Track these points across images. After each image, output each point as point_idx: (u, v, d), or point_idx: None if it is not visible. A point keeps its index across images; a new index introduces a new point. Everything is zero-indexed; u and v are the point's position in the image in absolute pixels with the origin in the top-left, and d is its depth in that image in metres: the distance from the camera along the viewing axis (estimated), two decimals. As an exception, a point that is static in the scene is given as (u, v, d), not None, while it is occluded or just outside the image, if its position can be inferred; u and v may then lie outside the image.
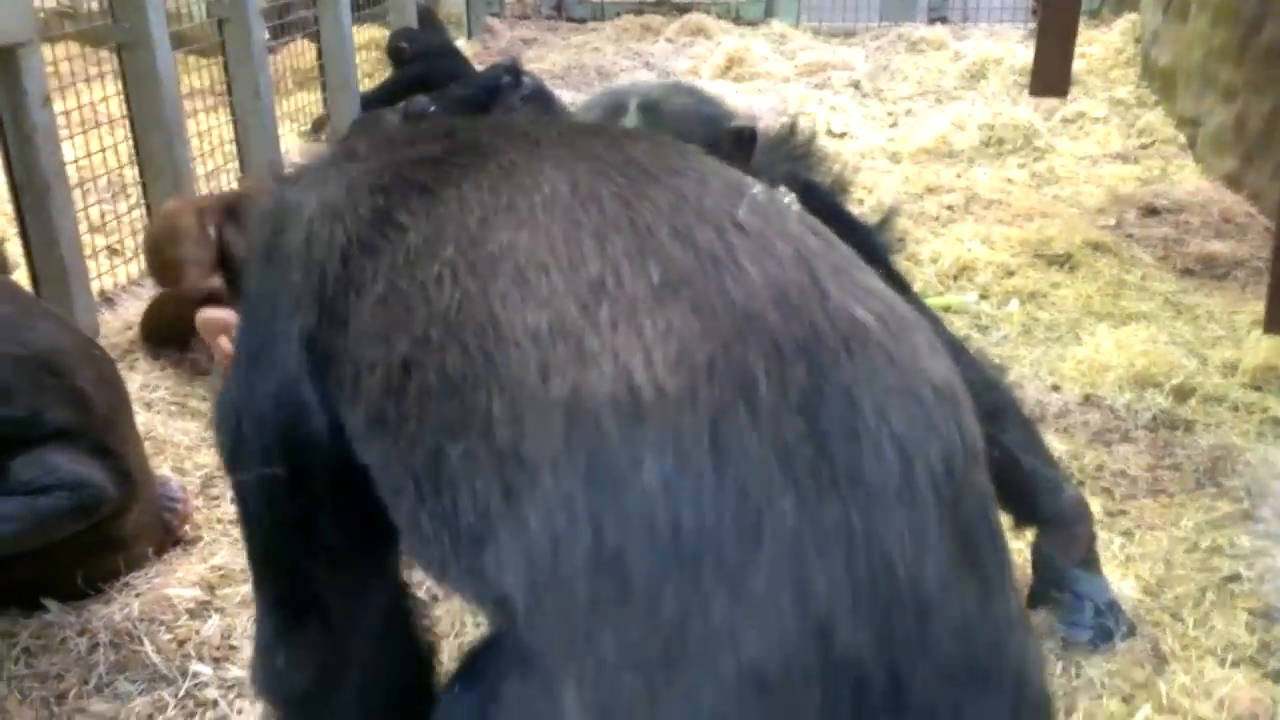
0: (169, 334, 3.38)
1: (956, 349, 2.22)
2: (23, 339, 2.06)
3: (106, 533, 2.24)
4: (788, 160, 2.21)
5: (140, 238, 3.93)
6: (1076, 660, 2.11)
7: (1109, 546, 2.42)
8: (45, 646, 2.18)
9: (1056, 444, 2.80)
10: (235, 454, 1.33)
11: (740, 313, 0.97)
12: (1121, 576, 2.33)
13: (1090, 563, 2.17)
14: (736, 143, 2.01)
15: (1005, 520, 2.28)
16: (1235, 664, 2.09)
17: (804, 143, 2.25)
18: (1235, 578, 2.34)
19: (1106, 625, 2.11)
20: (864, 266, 1.15)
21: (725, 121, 2.02)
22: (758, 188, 1.17)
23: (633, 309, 0.97)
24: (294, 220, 1.27)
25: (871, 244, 2.20)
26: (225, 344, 3.01)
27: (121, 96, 3.97)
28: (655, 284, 0.98)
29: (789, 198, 1.33)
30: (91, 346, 2.35)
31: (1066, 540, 2.15)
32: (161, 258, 3.18)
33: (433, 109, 4.55)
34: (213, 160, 4.56)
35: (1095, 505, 2.58)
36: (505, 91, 4.70)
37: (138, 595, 2.30)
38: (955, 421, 1.02)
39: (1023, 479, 2.15)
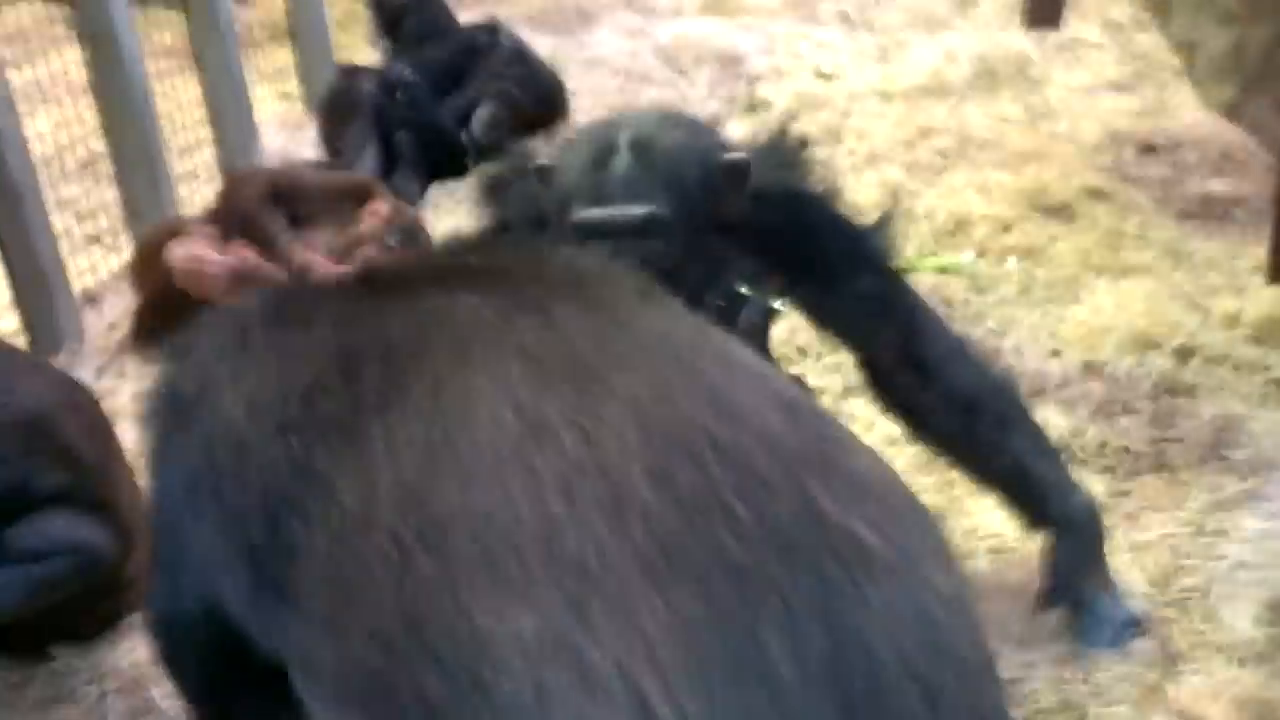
0: (161, 331, 3.32)
1: (961, 352, 2.19)
2: (6, 403, 2.01)
3: (108, 576, 2.22)
4: (779, 169, 2.14)
5: (117, 218, 3.86)
6: (1085, 664, 2.12)
7: (1114, 533, 2.41)
8: (56, 698, 2.18)
9: (1058, 420, 2.78)
10: (171, 663, 1.31)
11: (741, 576, 0.90)
12: (1128, 568, 2.33)
13: (1101, 570, 2.16)
14: (730, 177, 1.94)
15: (1015, 524, 2.31)
16: (1244, 662, 2.10)
17: (794, 150, 2.18)
18: (1243, 564, 2.34)
19: (1126, 643, 2.11)
20: (841, 436, 1.10)
21: (718, 156, 1.94)
22: (714, 349, 1.10)
23: (627, 599, 0.88)
24: (191, 434, 1.15)
25: (868, 252, 2.15)
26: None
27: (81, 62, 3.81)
28: (643, 553, 0.90)
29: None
30: (75, 391, 2.31)
31: (1077, 545, 2.13)
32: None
33: (409, 74, 4.41)
34: (183, 124, 4.43)
35: (1098, 487, 2.57)
36: (484, 53, 4.56)
37: (144, 637, 2.29)
38: (968, 636, 1.01)
39: (1032, 484, 2.14)
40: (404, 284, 1.24)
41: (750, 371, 1.12)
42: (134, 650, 2.25)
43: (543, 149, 2.15)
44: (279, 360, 1.16)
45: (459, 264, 1.28)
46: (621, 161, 1.87)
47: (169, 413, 1.22)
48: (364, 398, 1.07)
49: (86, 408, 2.26)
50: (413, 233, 3.50)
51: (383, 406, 1.05)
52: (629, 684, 0.85)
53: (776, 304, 2.07)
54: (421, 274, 1.27)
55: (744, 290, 2.07)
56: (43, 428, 2.05)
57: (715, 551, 0.91)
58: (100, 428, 2.28)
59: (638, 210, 1.87)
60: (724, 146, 2.00)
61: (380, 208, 3.32)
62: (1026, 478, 2.13)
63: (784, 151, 2.17)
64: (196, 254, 3.27)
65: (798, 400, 1.11)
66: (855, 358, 2.33)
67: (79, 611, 2.23)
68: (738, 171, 1.95)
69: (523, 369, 1.03)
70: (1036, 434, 2.19)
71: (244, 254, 3.17)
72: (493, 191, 2.22)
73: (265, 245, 3.25)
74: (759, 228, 1.99)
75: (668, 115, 2.04)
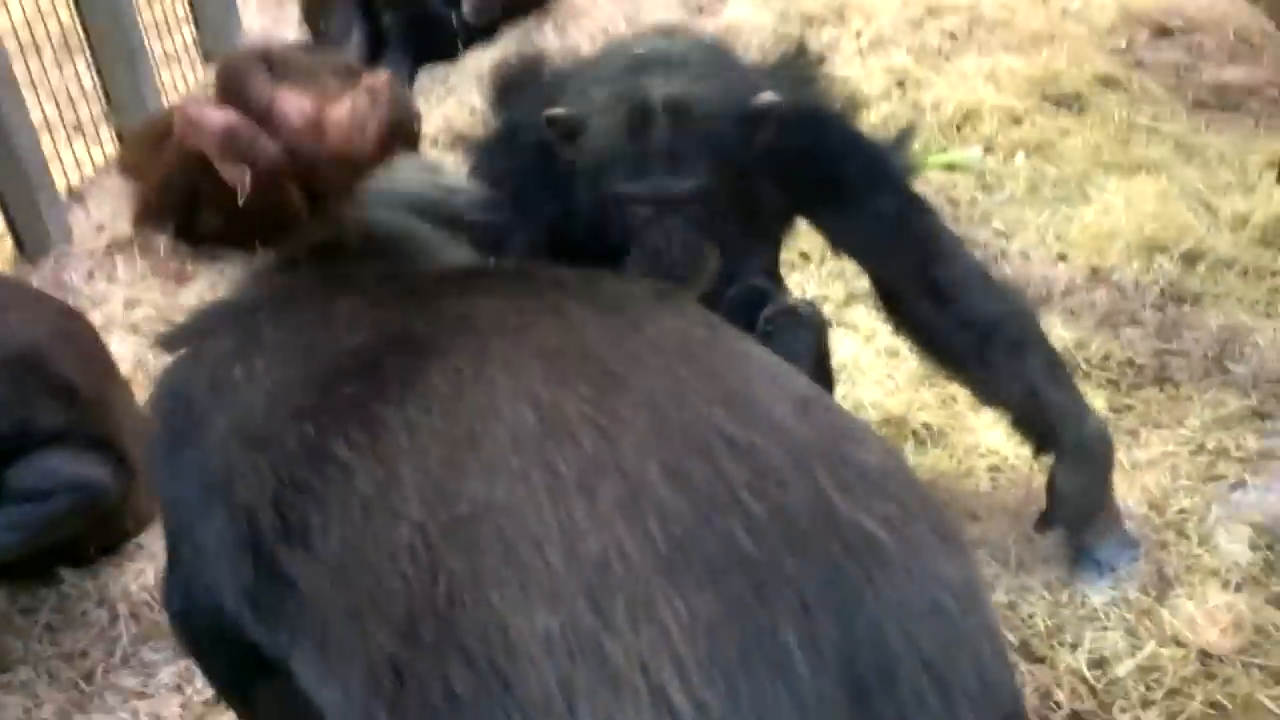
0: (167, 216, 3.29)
1: (979, 276, 2.16)
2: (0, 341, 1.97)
3: (111, 505, 2.23)
4: (796, 85, 2.06)
5: (99, 108, 3.75)
6: (1080, 589, 2.15)
7: (1115, 449, 2.41)
8: (67, 621, 2.21)
9: (1062, 331, 2.76)
10: (196, 657, 1.34)
11: (757, 571, 0.91)
12: (1127, 488, 2.34)
13: (1105, 496, 2.17)
14: (764, 120, 1.87)
15: (1015, 442, 2.30)
16: (1239, 587, 2.13)
17: (811, 64, 2.09)
18: (1241, 485, 2.35)
19: (1122, 567, 2.13)
20: (853, 430, 1.10)
21: (751, 102, 1.88)
22: (728, 347, 1.08)
23: (648, 596, 0.90)
24: (202, 433, 1.14)
25: (887, 171, 2.09)
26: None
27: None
28: (662, 552, 0.91)
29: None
30: (67, 319, 2.26)
31: (1086, 472, 2.14)
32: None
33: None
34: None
35: (1099, 401, 2.57)
36: None
37: (151, 557, 2.31)
38: (980, 625, 1.01)
39: (1044, 409, 2.13)
40: (421, 284, 1.23)
41: (764, 368, 1.11)
42: (142, 573, 2.27)
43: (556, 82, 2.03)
44: (296, 355, 1.15)
45: (473, 270, 1.25)
46: (661, 131, 1.81)
47: (181, 416, 1.20)
48: (385, 388, 1.06)
49: (81, 336, 2.22)
50: (406, 112, 3.41)
51: (403, 398, 1.04)
52: (651, 679, 0.88)
53: (800, 306, 2.03)
54: (438, 276, 1.24)
55: (764, 287, 2.03)
56: (38, 364, 2.02)
57: (731, 548, 0.93)
58: (96, 355, 2.24)
59: (684, 184, 1.84)
60: (753, 85, 1.91)
61: (376, 82, 3.24)
62: (1039, 403, 2.12)
63: (800, 67, 2.08)
64: (199, 108, 3.22)
65: (811, 396, 1.10)
66: (870, 278, 2.29)
67: (84, 537, 2.24)
68: (770, 114, 1.88)
69: (542, 367, 1.04)
70: (1051, 359, 2.16)
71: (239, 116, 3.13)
72: (503, 95, 2.14)
73: (255, 107, 3.19)
74: (778, 149, 1.93)
75: (696, 54, 1.93)
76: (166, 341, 1.30)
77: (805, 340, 1.98)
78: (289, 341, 1.17)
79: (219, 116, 3.17)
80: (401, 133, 3.31)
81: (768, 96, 1.88)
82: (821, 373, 2.15)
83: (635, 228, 1.88)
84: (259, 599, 1.13)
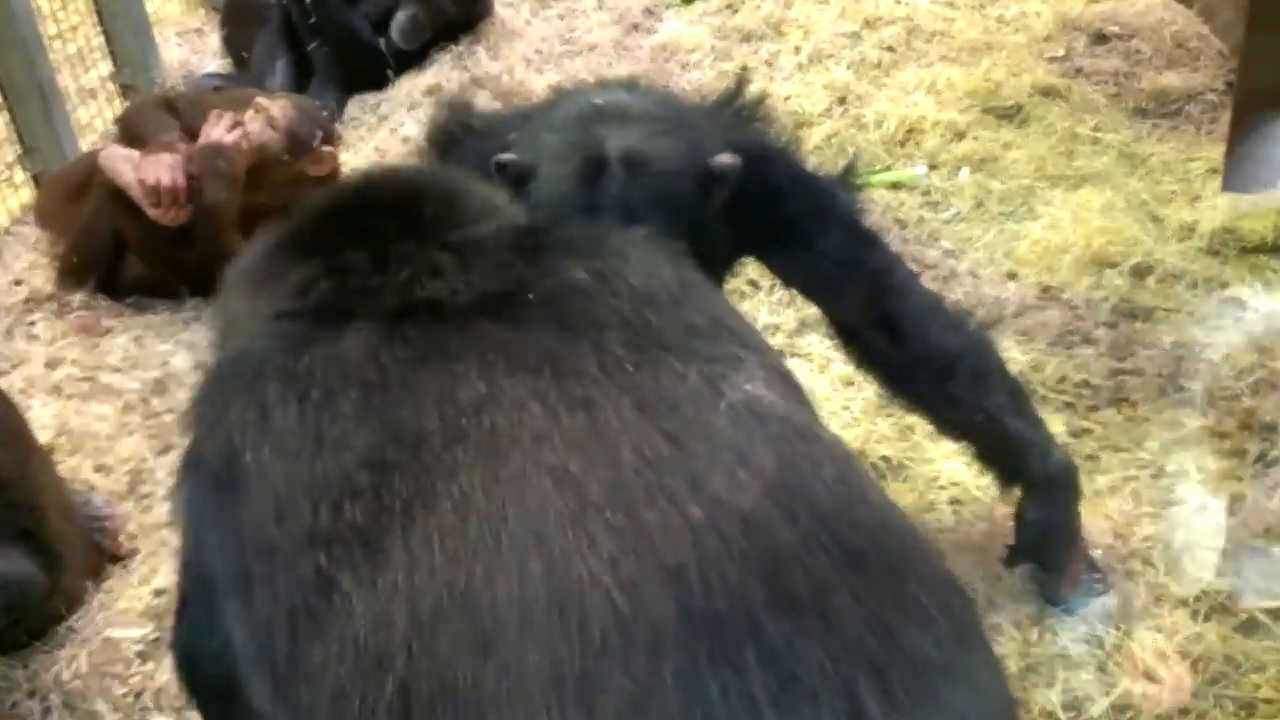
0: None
1: (934, 309, 2.12)
2: None
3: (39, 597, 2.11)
4: (737, 125, 2.00)
5: (11, 148, 3.59)
6: (1049, 625, 2.11)
7: (1077, 477, 2.38)
8: (-5, 716, 2.08)
9: (1017, 354, 2.73)
10: (193, 694, 1.30)
11: (770, 662, 0.84)
12: (1090, 515, 2.30)
13: (1073, 529, 2.13)
14: (721, 180, 1.81)
15: (986, 480, 2.26)
16: (1208, 616, 2.10)
17: (751, 104, 2.03)
18: (1203, 509, 2.33)
19: (1091, 601, 2.10)
20: (843, 466, 1.02)
21: (708, 162, 1.81)
22: (711, 412, 0.98)
23: None
24: (227, 518, 1.08)
25: (834, 209, 2.04)
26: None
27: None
28: None
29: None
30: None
31: (1052, 506, 2.10)
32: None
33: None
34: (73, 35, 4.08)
35: (1058, 424, 2.54)
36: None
37: (84, 642, 2.19)
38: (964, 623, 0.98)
39: (1008, 443, 2.09)
40: (439, 338, 1.09)
41: (823, 503, 0.96)
42: (75, 659, 2.14)
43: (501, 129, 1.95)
44: (307, 447, 1.05)
45: (513, 301, 1.11)
46: (614, 184, 1.74)
47: (205, 480, 1.14)
48: (391, 513, 0.98)
49: (-1, 415, 2.09)
50: (317, 116, 3.29)
51: (408, 528, 0.96)
52: None
53: None
54: (461, 317, 1.10)
55: None
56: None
57: (746, 669, 0.84)
58: (13, 429, 2.11)
59: (635, 233, 1.76)
60: (713, 144, 1.84)
61: (263, 103, 3.14)
62: (1002, 436, 2.08)
63: (740, 107, 2.02)
64: (123, 152, 3.10)
65: (877, 548, 0.97)
66: (825, 316, 2.24)
67: (12, 626, 2.11)
68: (728, 175, 1.81)
69: (560, 501, 0.92)
70: (1013, 390, 2.12)
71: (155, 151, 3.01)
72: (438, 148, 2.05)
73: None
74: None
75: (654, 108, 1.86)
76: (184, 419, 1.21)
77: None
78: (295, 429, 1.07)
79: (132, 156, 3.05)
80: (303, 133, 3.18)
81: (727, 158, 1.81)
82: None
83: None
84: (271, 708, 1.08)
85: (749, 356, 1.11)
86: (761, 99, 2.05)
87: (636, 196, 1.75)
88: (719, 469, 0.95)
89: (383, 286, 1.17)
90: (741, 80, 2.06)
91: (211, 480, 1.13)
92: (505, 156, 1.83)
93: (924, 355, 2.07)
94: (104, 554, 2.35)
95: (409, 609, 0.92)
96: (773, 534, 0.91)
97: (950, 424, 2.19)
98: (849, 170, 2.13)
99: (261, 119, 3.13)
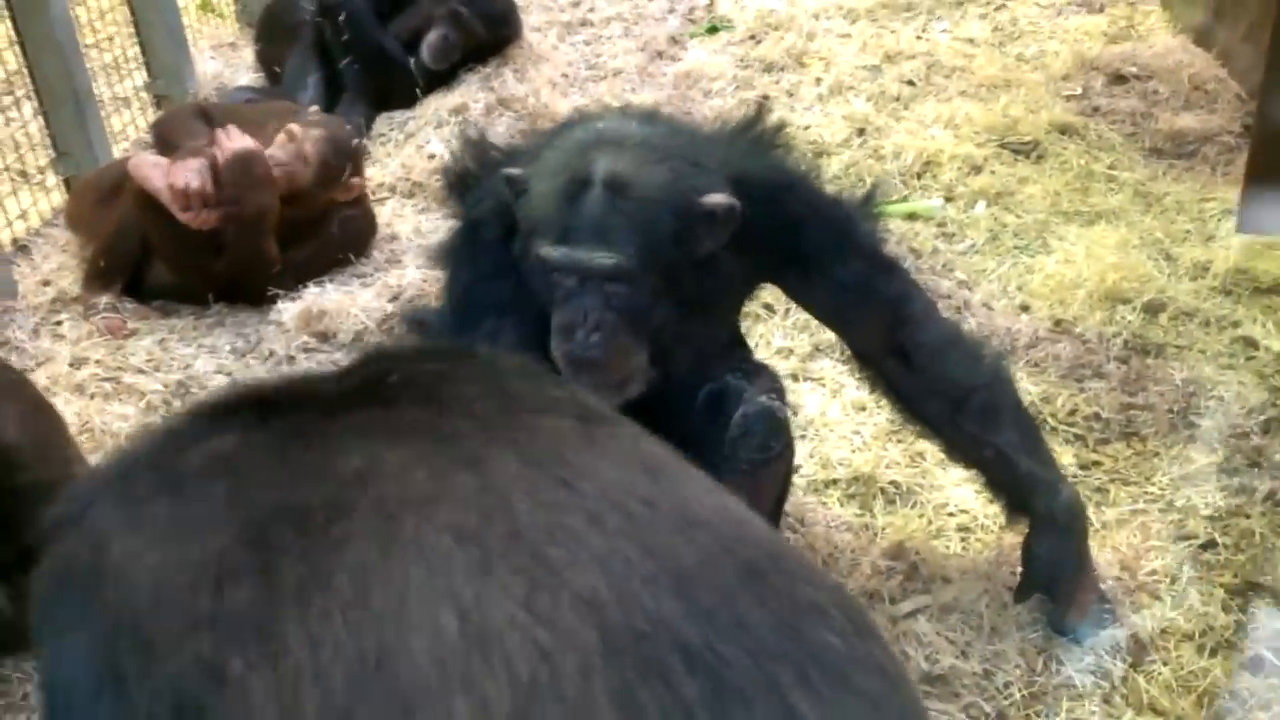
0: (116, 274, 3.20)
1: (951, 341, 2.14)
2: None
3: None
4: (755, 151, 2.03)
5: (44, 152, 3.66)
6: (1055, 654, 2.12)
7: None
8: (8, 706, 2.11)
9: (1028, 385, 2.75)
10: None
11: None
12: (1098, 547, 2.32)
13: (1081, 565, 2.14)
14: (710, 223, 1.82)
15: (995, 509, 2.28)
16: (1214, 651, 2.11)
17: (771, 130, 2.06)
18: (1211, 544, 2.34)
19: (1098, 633, 2.11)
20: (720, 494, 1.04)
21: (698, 201, 1.81)
22: (673, 500, 0.99)
23: None
24: (91, 623, 0.98)
25: (853, 237, 2.06)
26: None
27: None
28: None
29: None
30: (7, 373, 2.19)
31: (1059, 543, 2.11)
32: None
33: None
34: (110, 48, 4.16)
35: (1067, 457, 2.57)
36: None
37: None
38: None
39: (1017, 479, 2.11)
40: (312, 423, 1.06)
41: (718, 533, 0.98)
42: (87, 653, 2.17)
43: (514, 150, 2.00)
44: (181, 532, 0.99)
45: (376, 386, 1.09)
46: (594, 202, 1.76)
47: (64, 583, 1.03)
48: (281, 586, 0.93)
49: (19, 391, 2.15)
50: (347, 150, 3.35)
51: (303, 600, 0.91)
52: None
53: (771, 402, 1.96)
54: (331, 405, 1.07)
55: (738, 384, 1.98)
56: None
57: None
58: (41, 409, 2.20)
59: (604, 258, 1.78)
60: (709, 183, 1.84)
61: (296, 132, 3.18)
62: (1012, 472, 2.10)
63: (760, 133, 2.06)
64: (145, 157, 3.16)
65: (771, 564, 0.99)
66: (842, 341, 2.26)
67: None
68: (718, 217, 1.83)
69: (463, 554, 0.90)
70: (1025, 427, 2.14)
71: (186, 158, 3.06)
72: (457, 187, 2.09)
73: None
74: (740, 219, 1.89)
75: (659, 139, 1.87)
76: (54, 518, 1.15)
77: (779, 440, 1.95)
78: (168, 516, 1.01)
79: (162, 163, 3.10)
80: (333, 166, 3.24)
81: (719, 198, 1.82)
82: (788, 461, 2.13)
83: (558, 298, 1.83)
84: None
85: (616, 416, 1.14)
86: (781, 126, 2.08)
87: (613, 220, 1.77)
88: (613, 504, 0.96)
89: (260, 397, 1.12)
90: (761, 107, 2.10)
91: (74, 581, 1.03)
92: (510, 170, 1.88)
93: (938, 386, 2.10)
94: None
95: (321, 690, 0.88)
96: (674, 554, 0.93)
97: (960, 455, 2.21)
98: (869, 197, 2.15)
99: (293, 149, 3.17)
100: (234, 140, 3.07)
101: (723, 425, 1.89)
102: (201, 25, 4.79)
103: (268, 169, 3.08)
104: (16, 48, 3.56)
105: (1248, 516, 2.39)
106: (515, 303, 1.88)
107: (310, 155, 3.18)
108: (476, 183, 2.01)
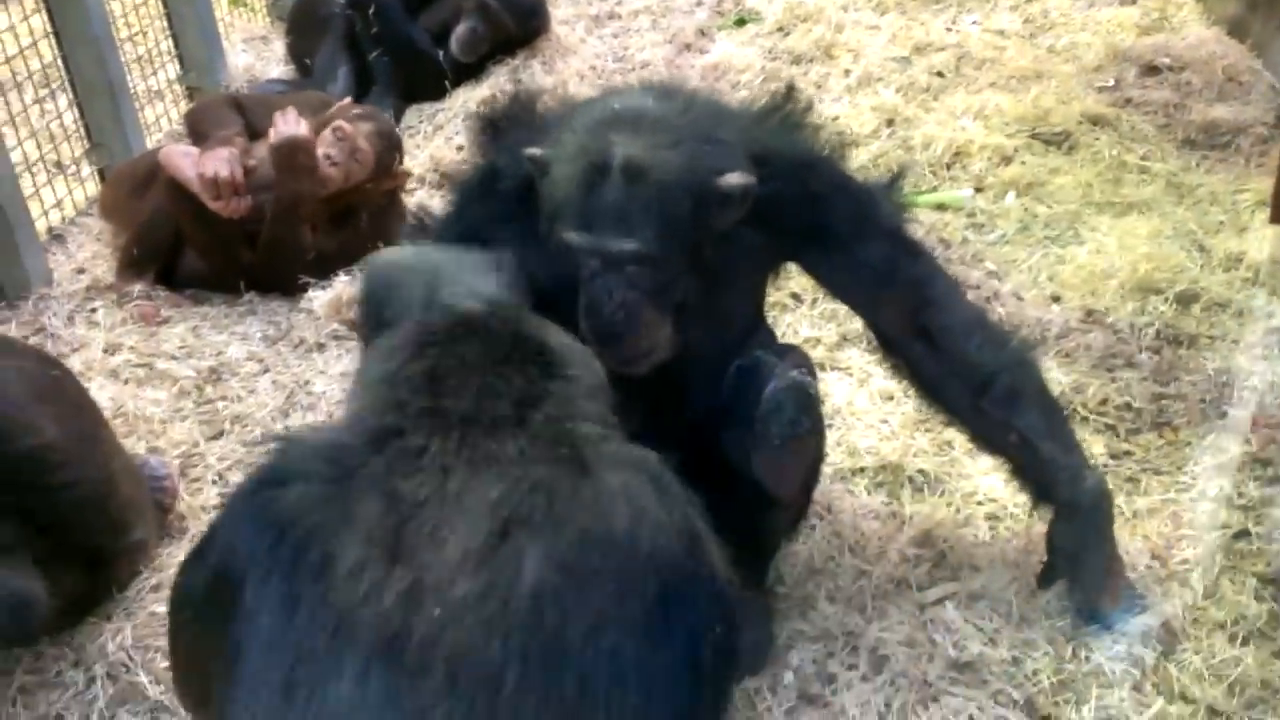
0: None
1: (975, 323, 2.12)
2: None
3: (113, 545, 2.21)
4: (781, 131, 2.03)
5: (81, 146, 3.70)
6: (1085, 643, 2.10)
7: (1115, 498, 2.37)
8: (42, 683, 2.14)
9: (1059, 375, 2.73)
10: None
11: None
12: (1129, 537, 2.30)
13: (1107, 551, 2.12)
14: (726, 202, 1.83)
15: (1023, 497, 2.26)
16: (1245, 640, 2.09)
17: (800, 110, 2.06)
18: (1244, 534, 2.32)
19: (1126, 621, 2.09)
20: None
21: (715, 181, 1.81)
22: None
23: None
24: None
25: (877, 217, 2.05)
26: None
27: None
28: None
29: None
30: (47, 368, 2.21)
31: (1083, 530, 2.09)
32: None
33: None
34: (144, 39, 4.19)
35: (1098, 446, 2.55)
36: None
37: (129, 615, 2.24)
38: None
39: (1041, 464, 2.09)
40: None
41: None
42: (120, 632, 2.19)
43: (536, 130, 1.99)
44: None
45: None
46: (612, 189, 1.77)
47: None
48: None
49: (61, 391, 2.18)
50: (396, 140, 3.38)
51: None
52: None
53: (801, 377, 1.96)
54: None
55: (769, 359, 1.97)
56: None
57: None
58: (82, 404, 2.23)
59: (624, 245, 1.79)
60: (727, 161, 1.84)
61: (347, 130, 3.19)
62: (1035, 458, 2.08)
63: (788, 112, 2.05)
64: (176, 147, 3.19)
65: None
66: (864, 322, 2.25)
67: (99, 575, 2.20)
68: (735, 196, 1.83)
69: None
70: (1051, 411, 2.12)
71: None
72: (488, 133, 2.10)
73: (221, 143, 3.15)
74: (762, 195, 1.88)
75: (675, 118, 1.85)
76: None
77: (810, 416, 1.93)
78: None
79: (194, 154, 3.13)
80: (386, 160, 3.27)
81: (736, 178, 1.82)
82: (818, 441, 2.12)
83: (582, 280, 1.85)
84: None
85: None
86: (809, 106, 2.07)
87: (632, 206, 1.78)
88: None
89: None
90: (789, 86, 2.09)
91: None
92: (532, 151, 1.89)
93: (960, 369, 2.08)
94: (165, 511, 2.43)
95: None
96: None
97: (984, 439, 2.19)
98: (895, 180, 2.14)
99: (347, 146, 3.19)
100: (288, 124, 3.09)
101: (753, 401, 1.88)
102: (234, 19, 4.83)
103: (313, 158, 3.10)
104: (52, 39, 3.59)
105: (1281, 506, 2.37)
106: (511, 251, 1.90)
107: (364, 150, 3.20)
108: (506, 133, 2.02)
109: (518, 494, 1.28)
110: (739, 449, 1.92)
